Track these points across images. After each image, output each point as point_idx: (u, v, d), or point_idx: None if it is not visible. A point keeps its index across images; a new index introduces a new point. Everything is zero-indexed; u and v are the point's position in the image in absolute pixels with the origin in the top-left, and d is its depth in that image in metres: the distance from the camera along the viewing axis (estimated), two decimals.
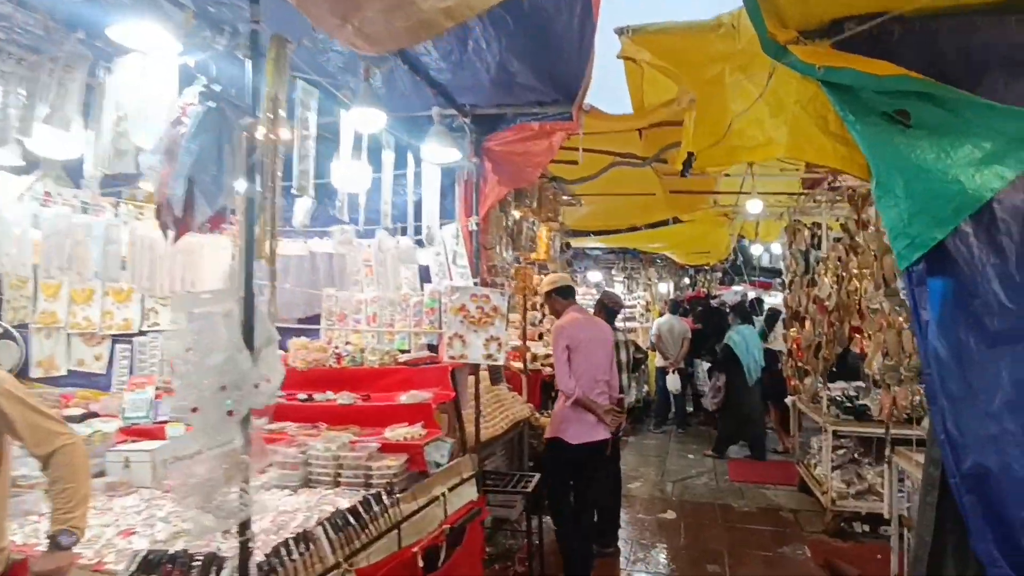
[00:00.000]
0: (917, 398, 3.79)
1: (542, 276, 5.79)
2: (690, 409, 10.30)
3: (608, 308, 5.33)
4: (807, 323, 6.39)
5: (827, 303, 5.71)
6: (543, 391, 6.08)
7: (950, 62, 2.74)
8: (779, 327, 9.23)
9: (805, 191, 6.57)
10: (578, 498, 4.43)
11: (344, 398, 3.11)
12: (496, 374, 3.78)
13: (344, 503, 2.58)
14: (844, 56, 2.77)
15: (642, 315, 11.33)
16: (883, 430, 5.55)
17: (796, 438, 7.40)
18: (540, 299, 6.51)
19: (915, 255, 2.63)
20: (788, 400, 7.48)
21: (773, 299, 11.57)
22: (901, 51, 2.77)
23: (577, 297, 5.34)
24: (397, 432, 2.99)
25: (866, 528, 5.80)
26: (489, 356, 3.36)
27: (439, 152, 3.05)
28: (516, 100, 3.30)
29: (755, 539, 5.72)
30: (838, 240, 6.15)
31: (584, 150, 3.58)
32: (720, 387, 8.62)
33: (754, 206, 5.72)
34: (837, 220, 6.80)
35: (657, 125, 4.14)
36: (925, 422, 3.55)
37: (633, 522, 6.13)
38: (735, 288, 12.61)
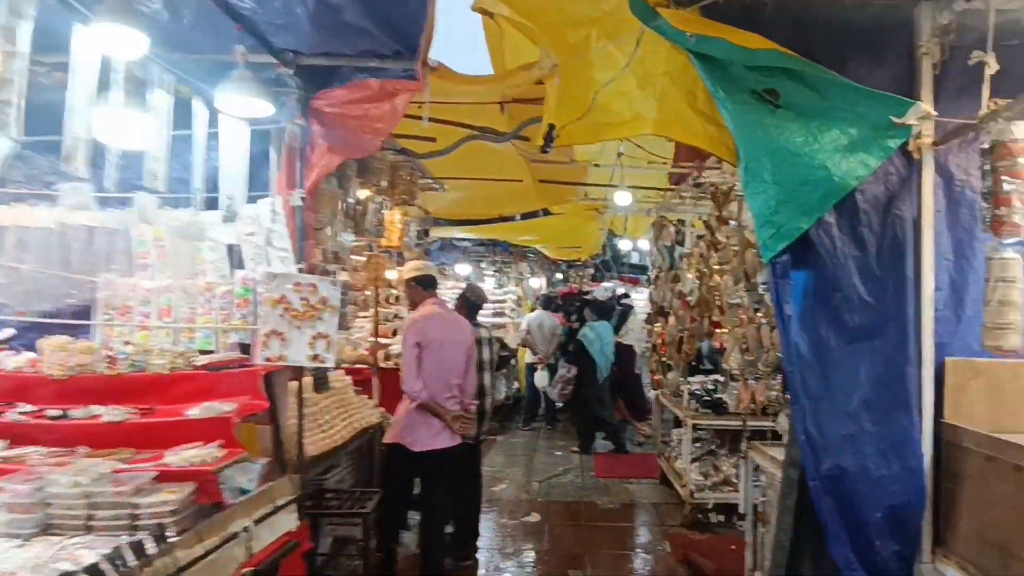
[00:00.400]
0: (774, 393, 3.74)
1: (399, 266, 5.26)
2: (560, 405, 10.22)
3: (471, 303, 4.91)
4: (671, 318, 6.39)
5: (689, 298, 5.70)
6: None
7: (818, 42, 2.57)
8: (633, 321, 9.42)
9: (671, 187, 6.58)
10: (424, 508, 3.98)
11: (112, 414, 2.40)
12: (321, 380, 3.21)
13: (90, 557, 1.92)
14: (716, 25, 2.52)
15: (513, 310, 11.09)
16: (739, 423, 5.65)
17: (659, 431, 7.45)
18: (397, 291, 5.97)
19: (780, 245, 2.44)
20: (651, 394, 7.53)
21: (640, 295, 11.83)
22: (771, 26, 2.56)
23: (445, 291, 4.90)
24: (184, 455, 2.34)
25: (721, 518, 5.88)
26: (315, 357, 2.79)
27: (241, 103, 2.42)
28: (348, 48, 2.74)
29: (618, 537, 5.60)
30: (701, 237, 6.20)
31: (435, 120, 3.11)
32: (570, 379, 8.57)
33: (623, 198, 5.57)
34: (700, 218, 6.91)
35: (521, 101, 3.77)
36: (782, 419, 3.47)
37: (496, 528, 5.79)
38: (605, 284, 12.77)
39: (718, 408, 5.81)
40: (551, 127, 2.77)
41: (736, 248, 4.44)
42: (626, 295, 10.62)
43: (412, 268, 4.14)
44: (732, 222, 5.05)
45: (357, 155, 3.39)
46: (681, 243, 6.69)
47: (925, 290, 2.47)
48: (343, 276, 3.92)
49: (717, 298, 5.31)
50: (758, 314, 3.72)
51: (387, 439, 3.91)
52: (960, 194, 2.55)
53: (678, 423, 6.96)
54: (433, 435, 3.69)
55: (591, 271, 13.14)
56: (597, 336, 8.29)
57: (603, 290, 11.08)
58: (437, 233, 8.56)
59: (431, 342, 3.71)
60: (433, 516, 3.99)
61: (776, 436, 5.71)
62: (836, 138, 2.44)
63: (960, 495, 2.44)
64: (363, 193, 4.03)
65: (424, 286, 4.05)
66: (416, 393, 3.63)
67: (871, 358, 2.52)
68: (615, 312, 9.40)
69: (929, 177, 2.49)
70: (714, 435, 6.33)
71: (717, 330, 5.64)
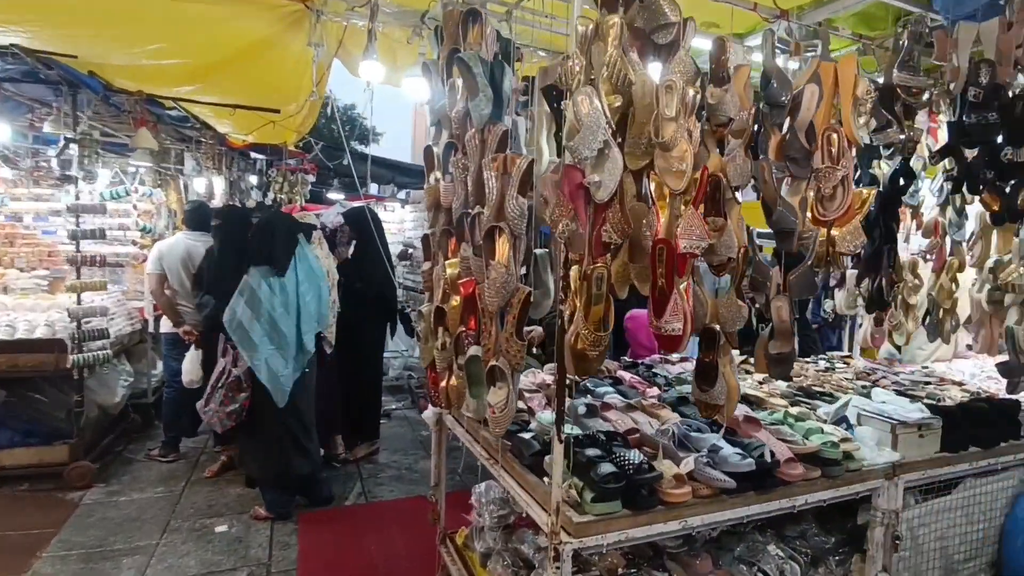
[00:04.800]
0: None
1: None
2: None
3: None
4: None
5: (680, 166, 1.66)
6: None
7: None
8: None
9: None
10: None
11: None
12: None
13: None
14: None
15: (142, 237, 5.85)
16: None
17: (440, 472, 3.48)
18: None
19: None
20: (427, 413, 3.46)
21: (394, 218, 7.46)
22: None
23: None
24: None
25: None
26: None
27: None
28: None
29: None
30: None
31: None
32: (237, 382, 4.02)
33: None
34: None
35: None
36: None
37: None
38: (338, 199, 8.15)
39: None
40: None
41: None
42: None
43: None
44: None
45: None
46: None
47: None
48: None
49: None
50: None
51: None
52: None
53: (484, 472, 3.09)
54: None
55: (311, 178, 8.03)
56: (284, 298, 3.89)
57: (335, 214, 6.58)
58: None
59: None
60: None
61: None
62: None
63: None
64: None
65: None
66: None
67: None
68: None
69: None
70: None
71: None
